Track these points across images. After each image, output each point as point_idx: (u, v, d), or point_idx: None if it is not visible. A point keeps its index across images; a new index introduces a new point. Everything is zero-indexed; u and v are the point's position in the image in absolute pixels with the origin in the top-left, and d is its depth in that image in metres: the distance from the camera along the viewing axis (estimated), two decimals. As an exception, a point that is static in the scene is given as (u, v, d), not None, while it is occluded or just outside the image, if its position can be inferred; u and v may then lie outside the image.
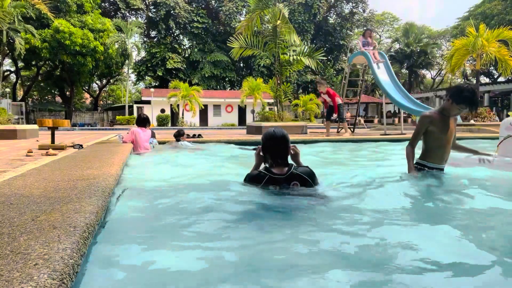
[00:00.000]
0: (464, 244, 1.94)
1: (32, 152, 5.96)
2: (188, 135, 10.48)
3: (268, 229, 2.16)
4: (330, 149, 8.11)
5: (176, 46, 41.79)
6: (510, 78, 28.52)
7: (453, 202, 2.88)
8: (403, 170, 3.56)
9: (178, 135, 7.95)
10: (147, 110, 32.30)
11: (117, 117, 34.02)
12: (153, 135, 8.03)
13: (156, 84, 42.94)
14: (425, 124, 3.36)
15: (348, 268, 1.66)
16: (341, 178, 3.83)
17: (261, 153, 2.90)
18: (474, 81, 24.18)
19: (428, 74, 51.68)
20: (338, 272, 1.60)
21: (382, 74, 13.28)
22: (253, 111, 33.57)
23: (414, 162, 3.48)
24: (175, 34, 44.12)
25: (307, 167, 2.84)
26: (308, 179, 2.71)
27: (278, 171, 2.70)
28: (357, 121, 16.93)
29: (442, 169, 3.49)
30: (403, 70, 46.01)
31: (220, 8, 42.48)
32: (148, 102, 34.55)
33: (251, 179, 2.80)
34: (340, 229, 2.18)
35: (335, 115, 11.90)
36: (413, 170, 3.40)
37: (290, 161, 2.88)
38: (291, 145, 2.89)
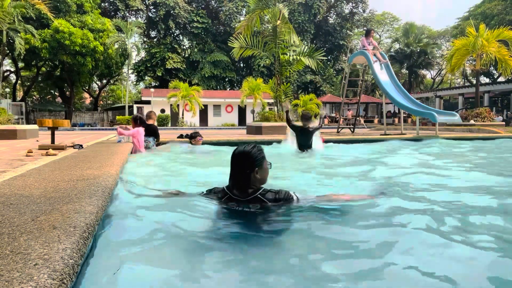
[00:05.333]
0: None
1: (32, 152, 5.95)
2: (187, 135, 10.41)
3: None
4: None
5: (176, 46, 41.75)
6: (510, 78, 28.50)
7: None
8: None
9: (191, 137, 7.63)
10: (147, 110, 32.25)
11: (117, 117, 33.99)
12: (157, 135, 7.84)
13: (156, 84, 42.91)
14: None
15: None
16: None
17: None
18: (474, 81, 24.14)
19: (428, 74, 51.68)
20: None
21: (382, 74, 13.28)
22: (253, 111, 33.56)
23: None
24: (175, 34, 44.09)
25: (282, 192, 2.45)
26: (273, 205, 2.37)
27: (239, 193, 2.40)
28: (357, 121, 16.94)
29: None
30: (403, 70, 45.94)
31: (220, 8, 42.46)
32: (148, 102, 34.53)
33: (212, 192, 2.56)
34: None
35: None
36: None
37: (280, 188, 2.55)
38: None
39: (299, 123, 7.05)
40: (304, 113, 6.97)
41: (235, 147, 2.52)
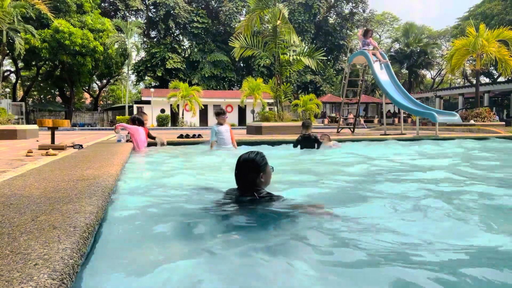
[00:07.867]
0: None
1: (32, 152, 5.95)
2: (188, 135, 10.42)
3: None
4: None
5: (176, 46, 41.74)
6: (510, 78, 28.53)
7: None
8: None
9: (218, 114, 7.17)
10: (147, 110, 32.25)
11: (117, 117, 33.96)
12: None
13: (156, 84, 42.90)
14: None
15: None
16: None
17: None
18: (474, 81, 24.15)
19: (428, 74, 51.67)
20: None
21: (382, 74, 13.27)
22: (253, 111, 33.56)
23: None
24: (175, 34, 44.07)
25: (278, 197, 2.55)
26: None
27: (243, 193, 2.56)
28: (356, 121, 16.94)
29: None
30: (403, 70, 45.94)
31: (220, 8, 42.45)
32: (148, 102, 34.54)
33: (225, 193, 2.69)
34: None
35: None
36: None
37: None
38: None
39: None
40: (304, 121, 7.25)
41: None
